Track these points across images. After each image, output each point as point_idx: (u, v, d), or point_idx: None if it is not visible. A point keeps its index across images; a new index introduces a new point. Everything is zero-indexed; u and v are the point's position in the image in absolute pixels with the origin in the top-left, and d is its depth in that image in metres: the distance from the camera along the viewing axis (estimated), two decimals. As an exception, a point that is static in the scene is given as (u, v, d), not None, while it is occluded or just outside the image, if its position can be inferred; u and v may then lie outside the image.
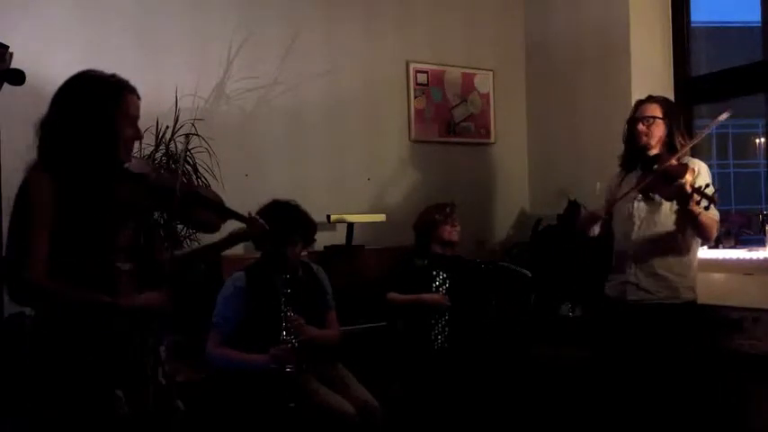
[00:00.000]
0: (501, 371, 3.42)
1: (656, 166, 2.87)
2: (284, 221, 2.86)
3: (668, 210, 2.98)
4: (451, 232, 3.55)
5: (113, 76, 2.04)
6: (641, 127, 3.01)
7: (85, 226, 1.93)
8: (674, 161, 2.87)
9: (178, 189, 2.03)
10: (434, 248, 3.55)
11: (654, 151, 3.00)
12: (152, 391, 2.05)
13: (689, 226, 2.90)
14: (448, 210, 3.58)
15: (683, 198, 2.74)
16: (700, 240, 3.05)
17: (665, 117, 3.01)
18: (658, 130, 3.01)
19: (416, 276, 3.46)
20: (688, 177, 2.73)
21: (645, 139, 3.01)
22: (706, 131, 3.19)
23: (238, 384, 2.86)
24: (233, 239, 2.44)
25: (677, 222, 2.95)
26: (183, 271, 2.75)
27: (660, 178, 2.84)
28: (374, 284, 3.55)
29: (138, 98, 2.07)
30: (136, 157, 2.21)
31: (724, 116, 2.86)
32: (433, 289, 3.44)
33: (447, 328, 3.39)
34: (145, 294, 2.01)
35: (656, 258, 2.99)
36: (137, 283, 2.05)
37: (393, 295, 3.41)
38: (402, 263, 3.55)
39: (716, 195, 2.70)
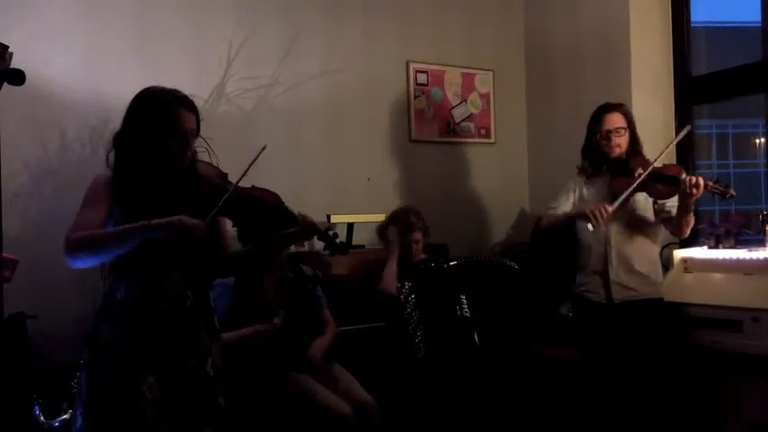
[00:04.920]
0: (493, 370, 3.41)
1: (640, 170, 3.02)
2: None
3: (641, 209, 3.14)
4: (418, 240, 3.55)
5: (164, 91, 2.18)
6: (616, 139, 3.14)
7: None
8: (660, 163, 3.05)
9: (228, 192, 2.13)
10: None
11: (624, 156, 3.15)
12: (189, 380, 2.14)
13: (675, 222, 3.05)
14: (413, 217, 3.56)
15: (691, 194, 2.88)
16: (662, 237, 3.24)
17: (629, 125, 3.17)
18: (626, 139, 3.17)
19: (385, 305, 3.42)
20: (691, 176, 2.90)
21: (618, 150, 3.15)
22: (676, 140, 3.36)
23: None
24: (287, 239, 2.46)
25: (659, 220, 3.14)
26: (237, 269, 2.87)
27: (654, 179, 3.00)
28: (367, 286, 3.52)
29: (190, 111, 2.19)
30: (204, 162, 2.31)
31: (686, 129, 3.17)
32: (402, 301, 3.39)
33: (426, 337, 3.36)
34: (179, 216, 2.07)
35: (634, 257, 3.12)
36: (189, 279, 2.20)
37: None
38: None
39: (730, 188, 2.92)
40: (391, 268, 3.45)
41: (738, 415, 3.06)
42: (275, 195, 2.35)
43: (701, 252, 3.48)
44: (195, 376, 2.16)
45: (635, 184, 2.98)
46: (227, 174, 2.34)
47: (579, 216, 3.11)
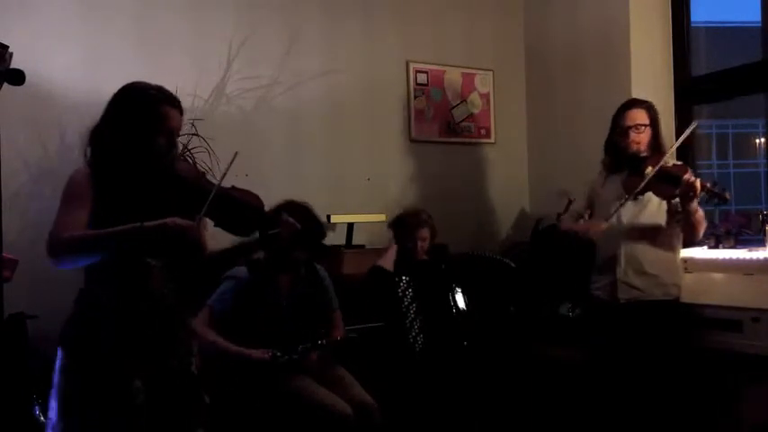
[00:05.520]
0: (489, 366, 3.41)
1: (649, 168, 2.95)
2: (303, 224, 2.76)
3: (655, 209, 3.08)
4: (425, 238, 3.57)
5: (151, 88, 2.13)
6: (634, 135, 3.08)
7: (118, 222, 2.01)
8: (670, 162, 2.99)
9: (213, 192, 2.09)
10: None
11: (643, 154, 3.08)
12: (175, 382, 2.10)
13: (684, 224, 2.99)
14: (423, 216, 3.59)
15: (687, 196, 2.84)
16: (681, 237, 3.14)
17: (652, 123, 3.11)
18: (647, 136, 3.10)
19: (381, 287, 3.44)
20: (691, 177, 2.85)
21: (636, 146, 3.09)
22: (683, 137, 3.23)
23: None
24: (264, 241, 2.44)
25: (669, 221, 3.05)
26: (215, 269, 2.90)
27: (660, 179, 2.93)
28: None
29: (176, 109, 2.14)
30: (182, 160, 2.26)
31: (693, 125, 3.10)
32: (399, 294, 3.41)
33: (423, 330, 3.37)
34: (172, 218, 2.03)
35: (645, 257, 3.07)
36: (167, 279, 2.14)
37: None
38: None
39: (726, 192, 2.86)
40: (390, 251, 3.51)
41: (738, 415, 3.06)
42: (257, 197, 2.34)
43: (701, 252, 3.48)
44: (180, 377, 2.12)
45: (641, 185, 2.93)
46: (204, 173, 2.32)
47: (570, 231, 3.18)
